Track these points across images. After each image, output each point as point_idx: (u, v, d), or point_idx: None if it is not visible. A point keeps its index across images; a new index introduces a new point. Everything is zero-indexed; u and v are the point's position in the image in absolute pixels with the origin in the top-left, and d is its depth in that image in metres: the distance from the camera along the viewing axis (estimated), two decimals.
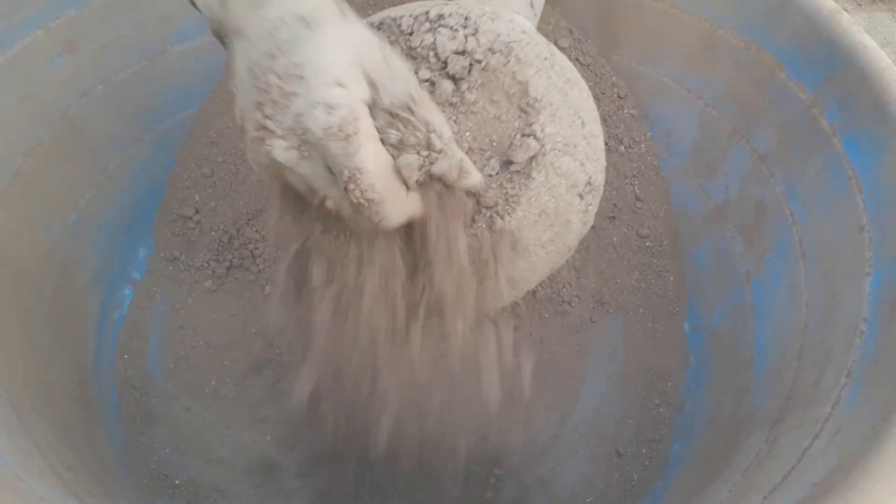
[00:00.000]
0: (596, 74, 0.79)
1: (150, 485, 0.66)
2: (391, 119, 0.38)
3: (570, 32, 0.80)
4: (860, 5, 1.40)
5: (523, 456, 0.71)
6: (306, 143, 0.37)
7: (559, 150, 0.45)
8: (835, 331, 0.54)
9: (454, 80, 0.46)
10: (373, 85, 0.38)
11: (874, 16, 1.37)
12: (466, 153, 0.46)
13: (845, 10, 0.71)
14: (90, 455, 0.59)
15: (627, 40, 0.78)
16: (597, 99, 0.80)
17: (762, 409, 0.59)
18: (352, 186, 0.37)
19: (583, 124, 0.47)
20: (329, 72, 0.37)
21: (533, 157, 0.45)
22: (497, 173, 0.46)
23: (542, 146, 0.45)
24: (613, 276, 0.81)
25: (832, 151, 0.60)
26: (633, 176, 0.84)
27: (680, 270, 0.81)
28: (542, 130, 0.45)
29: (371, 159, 0.37)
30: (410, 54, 0.46)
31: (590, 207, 0.49)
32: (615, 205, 0.81)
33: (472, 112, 0.46)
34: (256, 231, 0.78)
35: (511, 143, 0.45)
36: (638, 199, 0.83)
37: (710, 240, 0.78)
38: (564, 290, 0.80)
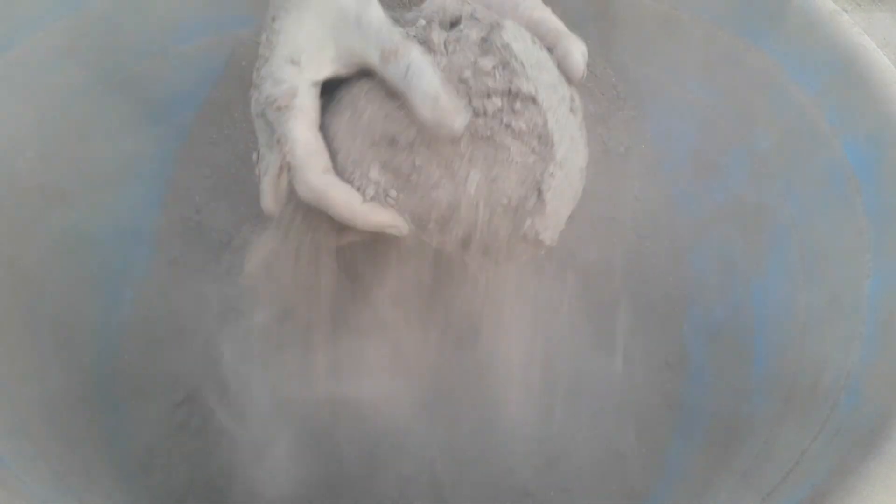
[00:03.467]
0: (596, 75, 0.79)
1: (153, 487, 0.66)
2: None
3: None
4: (860, 5, 1.40)
5: (522, 457, 0.71)
6: (258, 102, 0.43)
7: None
8: (834, 333, 0.54)
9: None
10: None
11: (874, 16, 1.37)
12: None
13: (844, 10, 0.71)
14: (92, 458, 0.59)
15: (627, 41, 0.78)
16: (597, 99, 0.80)
17: (761, 409, 0.59)
18: (278, 147, 0.42)
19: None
20: (288, 46, 0.42)
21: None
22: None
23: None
24: (614, 276, 0.81)
25: (832, 153, 0.60)
26: (633, 176, 0.84)
27: (680, 270, 0.81)
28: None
29: (298, 129, 0.41)
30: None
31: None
32: (615, 205, 0.81)
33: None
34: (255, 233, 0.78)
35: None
36: (638, 199, 0.83)
37: (710, 240, 0.78)
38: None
